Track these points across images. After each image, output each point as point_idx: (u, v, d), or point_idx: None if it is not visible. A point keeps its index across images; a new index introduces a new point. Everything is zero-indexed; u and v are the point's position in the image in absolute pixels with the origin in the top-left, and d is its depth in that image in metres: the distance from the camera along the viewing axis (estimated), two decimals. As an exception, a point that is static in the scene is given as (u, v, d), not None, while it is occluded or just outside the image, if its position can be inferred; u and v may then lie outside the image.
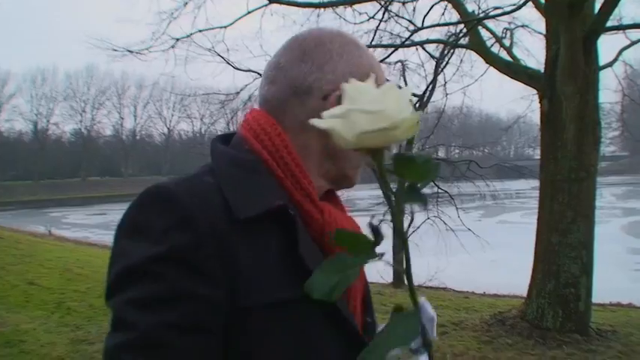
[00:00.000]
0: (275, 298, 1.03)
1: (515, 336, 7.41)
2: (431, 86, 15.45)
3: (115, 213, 53.33)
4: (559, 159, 7.53)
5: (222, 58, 12.22)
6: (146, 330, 0.95)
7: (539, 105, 8.01)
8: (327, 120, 0.73)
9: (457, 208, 16.13)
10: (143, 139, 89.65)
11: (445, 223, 15.25)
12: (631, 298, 13.58)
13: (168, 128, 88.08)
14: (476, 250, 14.60)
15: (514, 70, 8.96)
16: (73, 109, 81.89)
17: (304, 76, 1.18)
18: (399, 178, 0.75)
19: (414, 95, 15.99)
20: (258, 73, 11.33)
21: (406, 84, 16.42)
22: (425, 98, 15.68)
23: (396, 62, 16.75)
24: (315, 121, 0.73)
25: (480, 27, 10.44)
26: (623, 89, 12.96)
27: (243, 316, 1.01)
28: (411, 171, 0.74)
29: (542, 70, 8.15)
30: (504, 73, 9.09)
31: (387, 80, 1.22)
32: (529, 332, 7.42)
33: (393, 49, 11.99)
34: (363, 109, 0.71)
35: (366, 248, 0.80)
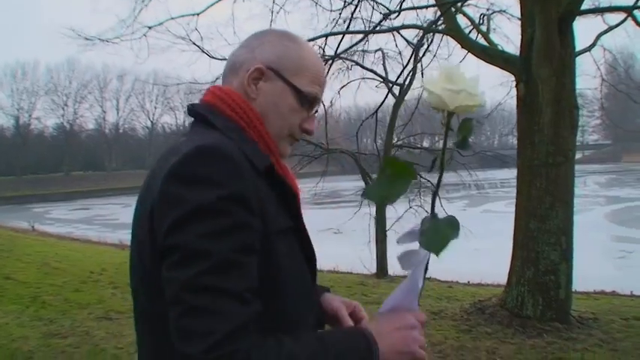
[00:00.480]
0: (282, 227, 1.40)
1: (494, 325, 7.27)
2: (410, 74, 15.35)
3: (99, 208, 53.06)
4: (536, 143, 7.38)
5: (197, 46, 11.99)
6: (220, 255, 1.19)
7: (515, 90, 7.85)
8: (438, 88, 1.14)
9: (440, 198, 15.69)
10: (126, 132, 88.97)
11: (428, 213, 15.02)
12: (615, 286, 13.43)
13: (151, 121, 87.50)
14: (460, 239, 14.32)
15: (490, 54, 8.79)
16: (54, 103, 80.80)
17: (248, 57, 1.51)
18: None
19: (394, 83, 15.90)
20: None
21: (386, 72, 16.39)
22: (405, 86, 15.57)
23: (376, 50, 16.53)
24: (428, 85, 1.15)
25: (458, 13, 10.28)
26: (602, 75, 12.81)
27: (266, 239, 1.32)
28: (466, 127, 1.20)
29: (519, 54, 7.98)
30: (481, 59, 8.92)
31: (324, 73, 1.59)
32: (509, 321, 7.30)
33: (371, 35, 11.72)
34: (469, 91, 1.15)
35: (411, 173, 1.24)
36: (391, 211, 18.30)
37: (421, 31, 13.05)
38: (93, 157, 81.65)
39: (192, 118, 1.50)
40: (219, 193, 1.22)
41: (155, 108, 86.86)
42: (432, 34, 13.46)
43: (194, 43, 11.99)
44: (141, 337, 1.47)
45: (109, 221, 41.93)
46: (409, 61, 14.90)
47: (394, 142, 16.75)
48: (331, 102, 16.49)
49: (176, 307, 1.17)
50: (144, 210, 1.34)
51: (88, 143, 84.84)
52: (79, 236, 27.46)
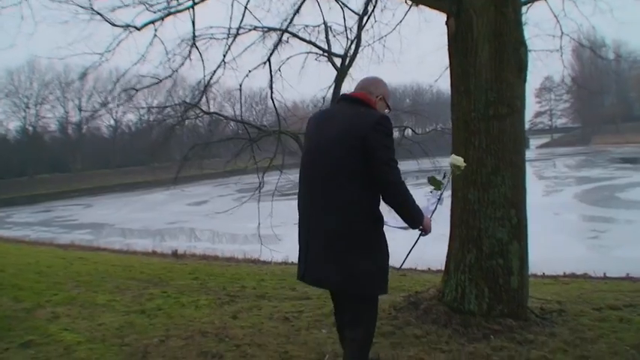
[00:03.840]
0: None
1: (428, 324, 5.64)
2: (354, 44, 14.06)
3: (61, 210, 51.87)
4: (472, 91, 5.77)
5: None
6: (393, 152, 3.89)
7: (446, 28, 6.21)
8: (458, 160, 4.60)
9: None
10: (90, 132, 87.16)
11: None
12: (587, 268, 12.66)
13: (114, 120, 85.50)
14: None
15: (419, -9, 7.16)
16: (16, 106, 79.89)
17: (373, 89, 4.22)
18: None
19: (337, 55, 14.59)
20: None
21: (329, 46, 14.97)
22: (347, 57, 14.21)
23: (318, 25, 15.10)
24: (454, 159, 4.65)
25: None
26: (561, 28, 11.39)
27: None
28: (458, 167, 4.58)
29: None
30: (413, 1, 7.31)
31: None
32: (447, 319, 5.67)
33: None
34: (463, 164, 4.62)
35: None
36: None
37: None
38: (58, 158, 79.94)
39: (346, 99, 4.16)
40: (391, 138, 3.89)
41: (118, 106, 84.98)
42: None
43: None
44: (329, 189, 3.83)
45: (67, 222, 42.87)
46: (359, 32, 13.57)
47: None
48: (271, 79, 14.80)
49: (385, 167, 3.75)
50: (346, 139, 3.80)
51: (52, 145, 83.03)
52: (34, 239, 27.79)
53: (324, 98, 15.56)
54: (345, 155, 3.77)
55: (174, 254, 18.24)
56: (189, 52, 12.52)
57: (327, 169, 3.84)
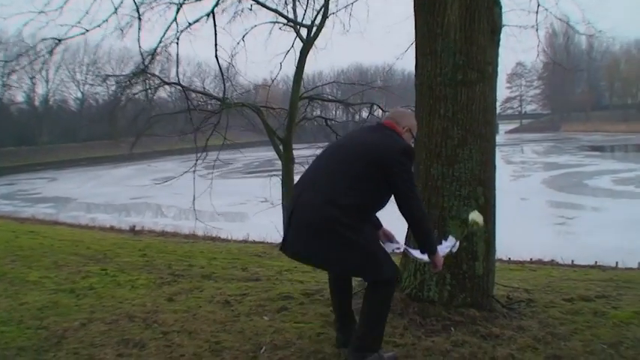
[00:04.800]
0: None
1: (382, 314, 5.03)
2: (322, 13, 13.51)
3: (24, 183, 50.86)
4: (439, 53, 5.12)
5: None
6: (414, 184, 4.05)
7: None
8: (477, 216, 4.69)
9: None
10: (57, 104, 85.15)
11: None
12: (554, 255, 12.33)
13: (82, 92, 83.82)
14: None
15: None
16: (-19, 77, 77.02)
17: (401, 120, 4.25)
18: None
19: (303, 25, 14.09)
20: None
21: (295, 16, 14.44)
22: (313, 27, 13.63)
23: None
24: (477, 215, 4.74)
25: None
26: (538, 1, 10.90)
27: None
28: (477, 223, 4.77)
29: None
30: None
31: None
32: (403, 307, 5.04)
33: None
34: (480, 218, 4.68)
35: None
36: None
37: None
38: (24, 131, 78.01)
39: (373, 126, 4.34)
40: (411, 164, 4.02)
41: (86, 78, 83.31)
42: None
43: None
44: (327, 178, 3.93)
45: (30, 196, 42.68)
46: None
47: (301, 93, 14.63)
48: (231, 53, 14.12)
49: (407, 192, 3.92)
50: (368, 153, 3.94)
51: (19, 117, 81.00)
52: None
53: (281, 64, 14.88)
54: (362, 165, 3.91)
55: (132, 230, 17.57)
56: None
57: (338, 167, 3.96)
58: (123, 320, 5.23)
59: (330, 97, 18.16)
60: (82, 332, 4.92)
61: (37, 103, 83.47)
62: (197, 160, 14.46)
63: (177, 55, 14.19)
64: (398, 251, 4.35)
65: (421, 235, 4.07)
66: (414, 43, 5.46)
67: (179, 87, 15.07)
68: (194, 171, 14.56)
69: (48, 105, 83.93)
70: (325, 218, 3.77)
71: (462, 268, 5.08)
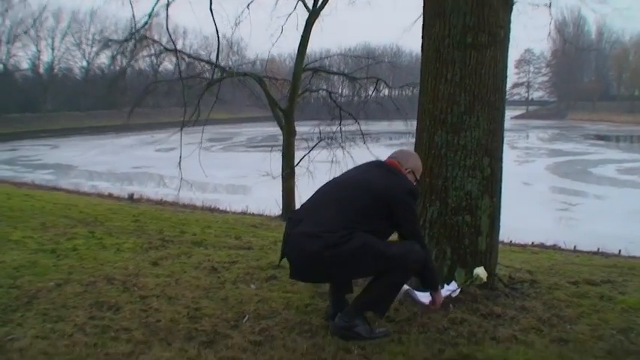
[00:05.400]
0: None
1: (377, 289, 4.72)
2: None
3: (27, 149, 50.68)
4: (448, 14, 4.77)
5: None
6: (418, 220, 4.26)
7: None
8: (482, 271, 4.45)
9: (365, 143, 16.80)
10: (63, 72, 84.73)
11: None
12: (556, 240, 12.22)
13: (87, 61, 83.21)
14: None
15: None
16: (-13, 43, 76.60)
17: (404, 162, 4.10)
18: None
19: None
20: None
21: None
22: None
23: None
24: (479, 271, 4.48)
25: None
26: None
27: None
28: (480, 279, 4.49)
29: None
30: None
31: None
32: (399, 283, 4.76)
33: None
34: (484, 275, 4.44)
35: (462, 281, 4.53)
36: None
37: None
38: (28, 98, 77.85)
39: (376, 163, 4.18)
40: (415, 204, 4.04)
41: (92, 47, 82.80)
42: None
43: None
44: (331, 209, 3.77)
45: (31, 162, 42.14)
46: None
47: (305, 64, 14.27)
48: (236, 21, 13.77)
49: (412, 232, 3.89)
50: (380, 193, 3.79)
51: (24, 84, 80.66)
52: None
53: (282, 27, 14.53)
54: (369, 198, 3.79)
55: (130, 197, 17.41)
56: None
57: (344, 198, 3.84)
58: (101, 282, 4.95)
59: (335, 70, 17.83)
60: (56, 293, 4.64)
61: (41, 70, 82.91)
62: (184, 124, 14.07)
63: (167, 14, 13.68)
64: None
65: (425, 271, 3.89)
66: (422, 3, 5.11)
67: (173, 51, 14.62)
68: (181, 128, 14.17)
69: (53, 73, 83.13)
70: (322, 247, 3.57)
71: (464, 243, 4.78)
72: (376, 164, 4.19)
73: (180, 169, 14.54)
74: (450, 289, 4.30)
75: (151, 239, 7.15)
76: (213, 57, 16.40)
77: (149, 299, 4.50)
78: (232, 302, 4.46)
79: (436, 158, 4.81)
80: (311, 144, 15.75)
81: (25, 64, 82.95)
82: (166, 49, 15.79)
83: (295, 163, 14.41)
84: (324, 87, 18.38)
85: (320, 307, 4.32)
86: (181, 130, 13.95)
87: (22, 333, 3.78)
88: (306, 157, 14.85)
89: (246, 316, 4.13)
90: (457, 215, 4.76)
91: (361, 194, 3.79)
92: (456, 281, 4.42)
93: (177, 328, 3.93)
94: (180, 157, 14.21)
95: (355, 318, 3.75)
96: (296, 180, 14.54)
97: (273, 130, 24.30)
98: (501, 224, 5.10)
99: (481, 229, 4.81)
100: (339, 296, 4.10)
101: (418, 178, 4.20)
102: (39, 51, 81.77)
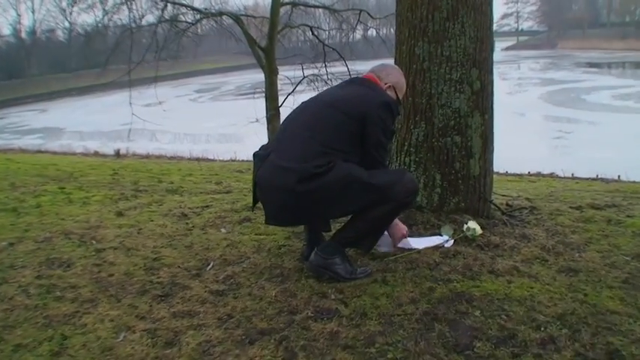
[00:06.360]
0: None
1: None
2: None
3: (14, 116, 50.10)
4: None
5: None
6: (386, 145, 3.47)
7: None
8: (474, 224, 3.99)
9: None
10: (45, 35, 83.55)
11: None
12: (553, 168, 11.64)
13: (69, 22, 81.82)
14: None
15: None
16: (-34, 10, 75.50)
17: (384, 76, 3.63)
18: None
19: None
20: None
21: None
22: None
23: None
24: (472, 224, 3.99)
25: None
26: None
27: None
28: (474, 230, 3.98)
29: None
30: None
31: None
32: (385, 215, 4.27)
33: None
34: (478, 228, 3.97)
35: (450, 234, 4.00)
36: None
37: None
38: (12, 64, 76.85)
39: (351, 81, 3.70)
40: (393, 119, 3.47)
41: (72, 7, 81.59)
42: None
43: None
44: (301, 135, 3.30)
45: (19, 128, 42.03)
46: None
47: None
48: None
49: (377, 146, 3.33)
50: (353, 108, 3.31)
51: (7, 50, 79.51)
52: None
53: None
54: (339, 117, 3.32)
55: (117, 154, 17.03)
56: None
57: (313, 119, 3.39)
58: (57, 238, 4.47)
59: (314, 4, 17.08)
60: (6, 253, 4.16)
61: (24, 35, 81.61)
62: (157, 65, 13.44)
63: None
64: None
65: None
66: None
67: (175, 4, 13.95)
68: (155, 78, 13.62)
69: (35, 36, 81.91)
70: (296, 181, 3.11)
71: (455, 168, 4.28)
72: (350, 80, 3.77)
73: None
74: (442, 239, 3.89)
75: (123, 190, 6.70)
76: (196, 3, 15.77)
77: (105, 252, 4.02)
78: (197, 249, 3.99)
79: (418, 73, 4.27)
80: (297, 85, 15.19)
81: (6, 30, 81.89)
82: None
83: (279, 104, 13.87)
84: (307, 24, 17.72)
85: (295, 247, 3.86)
86: (155, 79, 13.41)
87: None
88: (291, 96, 14.27)
89: (211, 264, 3.66)
90: (445, 136, 4.24)
91: (332, 113, 3.33)
92: (445, 233, 3.98)
93: (130, 282, 3.45)
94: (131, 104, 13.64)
95: (335, 255, 3.31)
96: (281, 121, 14.12)
97: (262, 76, 23.85)
98: (496, 154, 4.58)
99: (473, 151, 4.30)
100: (316, 234, 3.63)
101: (400, 97, 3.71)
102: (19, 15, 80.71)
